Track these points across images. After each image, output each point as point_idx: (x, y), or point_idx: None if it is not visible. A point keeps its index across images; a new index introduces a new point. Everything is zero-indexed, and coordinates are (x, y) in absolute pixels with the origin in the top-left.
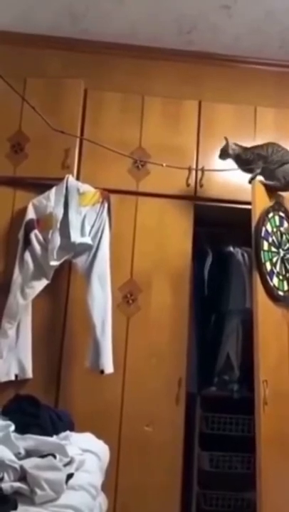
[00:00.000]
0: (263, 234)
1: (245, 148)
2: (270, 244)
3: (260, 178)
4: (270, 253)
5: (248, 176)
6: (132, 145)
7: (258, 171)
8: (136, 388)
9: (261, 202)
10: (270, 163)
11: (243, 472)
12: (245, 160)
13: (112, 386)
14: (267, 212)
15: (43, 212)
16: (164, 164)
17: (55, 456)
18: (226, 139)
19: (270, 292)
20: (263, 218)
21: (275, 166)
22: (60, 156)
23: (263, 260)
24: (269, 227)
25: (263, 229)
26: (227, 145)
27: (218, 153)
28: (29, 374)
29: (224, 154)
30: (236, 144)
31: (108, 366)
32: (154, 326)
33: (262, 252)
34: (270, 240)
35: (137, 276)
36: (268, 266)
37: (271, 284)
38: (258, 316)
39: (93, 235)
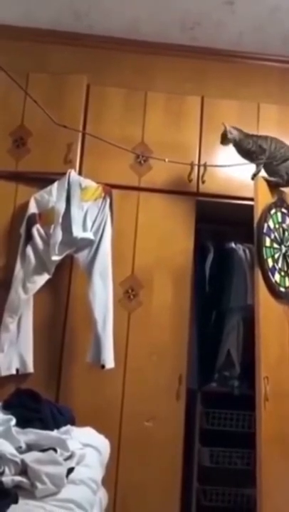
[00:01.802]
0: (265, 230)
1: (246, 135)
2: (272, 241)
3: (262, 174)
4: (272, 249)
5: (251, 172)
6: (134, 140)
7: (261, 167)
8: (136, 384)
9: (264, 198)
10: (273, 159)
11: (243, 468)
12: (246, 150)
13: (113, 381)
14: (269, 208)
15: (44, 207)
16: (166, 159)
17: (56, 450)
18: (224, 124)
19: (272, 289)
20: (265, 214)
21: (278, 162)
22: (63, 151)
23: (264, 257)
24: (271, 224)
25: (265, 225)
26: (226, 130)
27: (220, 149)
28: (30, 369)
29: (225, 139)
30: (235, 128)
31: (109, 361)
32: (155, 321)
33: (264, 249)
34: (272, 236)
35: (138, 272)
36: (270, 262)
37: (273, 280)
38: (260, 312)
39: (95, 230)
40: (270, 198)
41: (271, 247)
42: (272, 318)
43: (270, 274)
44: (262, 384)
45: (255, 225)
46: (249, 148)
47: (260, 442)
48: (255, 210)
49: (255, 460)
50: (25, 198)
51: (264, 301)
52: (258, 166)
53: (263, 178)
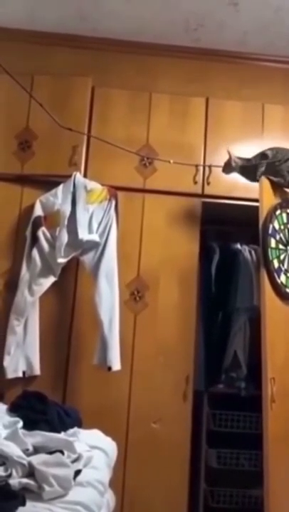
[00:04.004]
0: (270, 231)
1: (248, 159)
2: (277, 242)
3: None
4: (277, 250)
5: None
6: (139, 142)
7: (263, 168)
8: (143, 385)
9: (269, 199)
10: (275, 160)
11: (251, 469)
12: (251, 166)
13: (120, 383)
14: (274, 209)
15: (50, 210)
16: (172, 161)
17: (63, 453)
18: (229, 152)
19: (278, 290)
20: (271, 215)
21: (281, 162)
22: (68, 153)
23: (270, 258)
24: (276, 225)
25: (271, 226)
26: (230, 158)
27: (225, 150)
28: (37, 371)
29: (228, 168)
30: (239, 158)
31: (115, 363)
32: (162, 323)
33: (269, 250)
34: (278, 237)
35: (144, 274)
36: (276, 263)
37: (279, 281)
38: (266, 313)
39: (100, 232)
40: (275, 199)
41: (277, 248)
42: (278, 319)
43: (275, 275)
44: (268, 385)
45: (260, 226)
46: (253, 163)
47: (267, 443)
48: (260, 211)
49: (262, 461)
50: (31, 201)
51: (270, 302)
52: (260, 168)
53: (267, 177)
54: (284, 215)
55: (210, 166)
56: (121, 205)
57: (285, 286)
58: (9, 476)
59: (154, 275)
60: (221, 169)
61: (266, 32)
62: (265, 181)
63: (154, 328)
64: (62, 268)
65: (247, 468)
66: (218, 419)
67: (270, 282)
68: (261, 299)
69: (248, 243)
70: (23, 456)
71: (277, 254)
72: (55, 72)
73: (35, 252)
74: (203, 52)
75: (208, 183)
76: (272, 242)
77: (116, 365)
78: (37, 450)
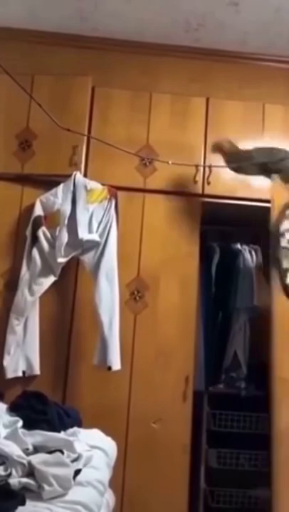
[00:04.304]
0: (281, 230)
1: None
2: (288, 241)
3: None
4: (286, 250)
5: None
6: (139, 142)
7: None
8: (143, 385)
9: (279, 199)
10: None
11: (251, 469)
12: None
13: (120, 383)
14: (285, 208)
15: (50, 209)
16: (170, 162)
17: (62, 452)
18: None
19: (286, 290)
20: (282, 215)
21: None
22: (68, 153)
23: (280, 258)
24: (287, 225)
25: (281, 226)
26: (226, 140)
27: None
28: (37, 371)
29: (217, 147)
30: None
31: (115, 363)
32: (162, 323)
33: (279, 249)
34: (288, 236)
35: (144, 273)
36: (285, 263)
37: (287, 281)
38: (275, 313)
39: (101, 231)
40: (286, 199)
41: (286, 248)
42: (285, 319)
43: (284, 275)
44: (276, 384)
45: (271, 225)
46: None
47: (276, 443)
48: (272, 210)
49: (262, 461)
50: (31, 201)
51: (279, 301)
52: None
53: (281, 177)
54: None
55: (210, 166)
56: (121, 204)
57: None
58: (9, 475)
59: (154, 275)
60: (220, 169)
61: (267, 32)
62: (276, 180)
63: (154, 328)
64: (63, 268)
65: (247, 468)
66: (218, 419)
67: (280, 282)
68: (271, 299)
69: (248, 243)
70: (23, 455)
71: (287, 253)
72: (56, 72)
73: (35, 252)
74: (203, 52)
75: (209, 183)
76: (283, 242)
77: (116, 365)
78: (37, 449)
